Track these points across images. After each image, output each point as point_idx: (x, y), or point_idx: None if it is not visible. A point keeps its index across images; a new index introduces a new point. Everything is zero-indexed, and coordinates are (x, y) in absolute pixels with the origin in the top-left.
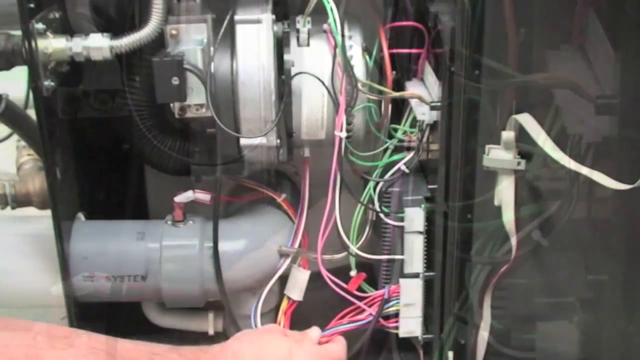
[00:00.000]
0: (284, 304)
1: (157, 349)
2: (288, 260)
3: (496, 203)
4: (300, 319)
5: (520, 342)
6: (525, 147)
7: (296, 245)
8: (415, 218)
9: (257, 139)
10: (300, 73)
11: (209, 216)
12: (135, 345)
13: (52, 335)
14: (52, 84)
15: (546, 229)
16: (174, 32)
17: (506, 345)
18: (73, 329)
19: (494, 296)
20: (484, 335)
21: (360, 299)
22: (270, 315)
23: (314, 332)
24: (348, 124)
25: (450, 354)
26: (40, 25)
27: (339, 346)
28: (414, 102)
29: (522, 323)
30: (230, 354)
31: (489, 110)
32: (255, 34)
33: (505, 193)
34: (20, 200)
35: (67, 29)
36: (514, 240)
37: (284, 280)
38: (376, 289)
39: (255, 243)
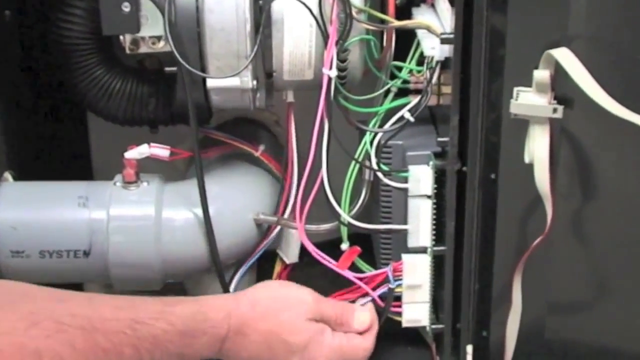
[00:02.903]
0: (278, 267)
1: (141, 315)
2: (274, 233)
3: (527, 160)
4: None
5: (558, 333)
6: (563, 90)
7: (287, 212)
8: (421, 178)
9: (228, 79)
10: None
11: (168, 177)
12: (113, 311)
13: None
14: None
15: (589, 192)
16: None
17: (540, 337)
18: (30, 289)
19: (525, 276)
20: (513, 325)
21: (358, 279)
22: None
23: (359, 318)
24: (340, 60)
25: (469, 348)
26: None
27: (367, 343)
28: (421, 34)
29: (560, 310)
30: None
31: (517, 43)
32: None
33: (538, 147)
34: None
35: None
36: (549, 207)
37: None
38: (374, 267)
39: (224, 210)
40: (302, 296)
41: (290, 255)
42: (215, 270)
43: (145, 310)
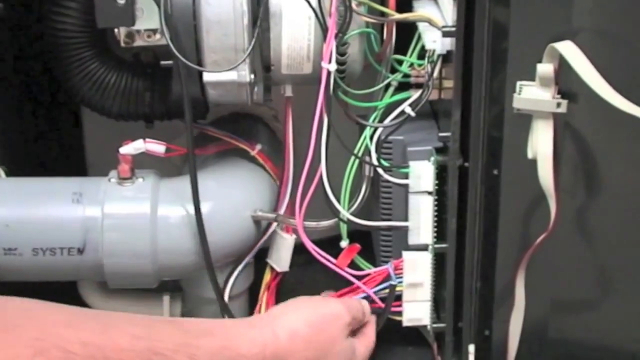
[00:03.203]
0: (267, 276)
1: (160, 346)
2: (271, 229)
3: (530, 155)
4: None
5: (562, 332)
6: (567, 84)
7: (282, 209)
8: (422, 174)
9: (225, 73)
10: None
11: (163, 172)
12: (130, 340)
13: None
14: None
15: (594, 188)
16: None
17: (544, 336)
18: (38, 310)
19: (529, 274)
20: (515, 323)
21: (358, 277)
22: (242, 298)
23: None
24: (340, 54)
25: (472, 348)
26: None
27: (363, 348)
28: (422, 27)
29: (564, 308)
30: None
31: (520, 36)
32: None
33: (541, 142)
34: None
35: None
36: (552, 203)
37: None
38: (374, 265)
39: (222, 207)
40: (336, 311)
41: (281, 263)
42: (207, 269)
43: (165, 340)
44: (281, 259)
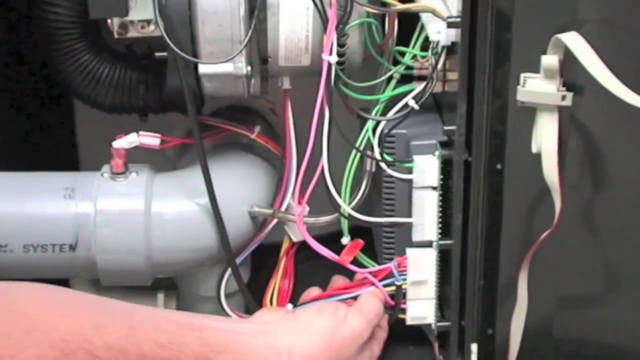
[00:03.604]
0: (285, 244)
1: (182, 358)
2: (270, 226)
3: (534, 149)
4: None
5: (566, 331)
6: (572, 76)
7: (285, 202)
8: (427, 169)
9: (221, 65)
10: None
11: (158, 167)
12: (154, 348)
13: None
14: None
15: (600, 183)
16: None
17: (548, 335)
18: (67, 304)
19: (532, 271)
20: (518, 322)
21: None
22: (239, 296)
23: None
24: (340, 45)
25: (474, 347)
26: None
27: (377, 349)
28: (425, 17)
29: (568, 306)
30: None
31: (524, 27)
32: None
33: (546, 136)
34: None
35: None
36: (557, 198)
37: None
38: (377, 262)
39: (218, 202)
40: (357, 331)
41: (296, 233)
42: (229, 265)
43: (187, 352)
44: (295, 230)
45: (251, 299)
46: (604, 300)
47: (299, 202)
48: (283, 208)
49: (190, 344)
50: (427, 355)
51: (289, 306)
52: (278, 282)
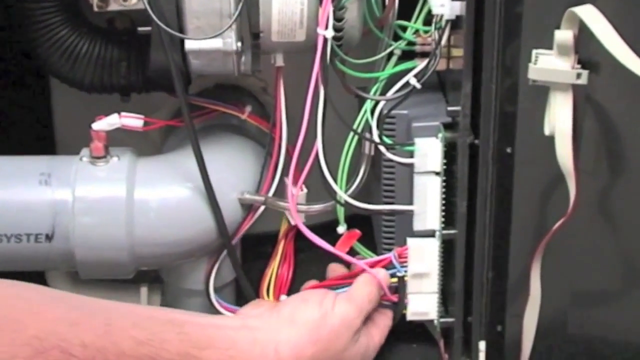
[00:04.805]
0: (284, 226)
1: (162, 354)
2: (258, 212)
3: (547, 132)
4: None
5: (582, 327)
6: (588, 52)
7: (272, 187)
8: (429, 153)
9: (209, 40)
10: None
11: (141, 151)
12: (133, 345)
13: None
14: None
15: (617, 167)
16: None
17: (562, 332)
18: (40, 302)
19: (545, 263)
20: (530, 318)
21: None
22: (230, 288)
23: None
24: (337, 19)
25: (482, 345)
26: None
27: (377, 337)
28: None
29: (584, 301)
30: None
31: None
32: None
33: (559, 117)
34: None
35: None
36: (571, 184)
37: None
38: (375, 253)
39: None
40: (347, 320)
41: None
42: (228, 254)
43: (169, 349)
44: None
45: (249, 288)
46: (623, 293)
47: (292, 189)
48: (270, 194)
49: (172, 340)
50: (431, 354)
51: (283, 297)
52: (276, 268)
